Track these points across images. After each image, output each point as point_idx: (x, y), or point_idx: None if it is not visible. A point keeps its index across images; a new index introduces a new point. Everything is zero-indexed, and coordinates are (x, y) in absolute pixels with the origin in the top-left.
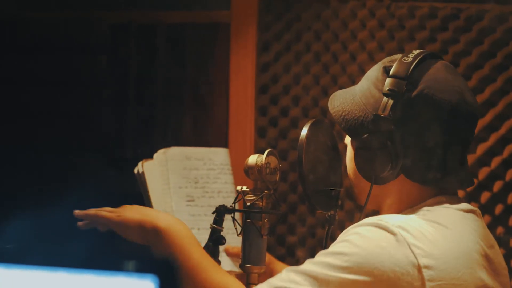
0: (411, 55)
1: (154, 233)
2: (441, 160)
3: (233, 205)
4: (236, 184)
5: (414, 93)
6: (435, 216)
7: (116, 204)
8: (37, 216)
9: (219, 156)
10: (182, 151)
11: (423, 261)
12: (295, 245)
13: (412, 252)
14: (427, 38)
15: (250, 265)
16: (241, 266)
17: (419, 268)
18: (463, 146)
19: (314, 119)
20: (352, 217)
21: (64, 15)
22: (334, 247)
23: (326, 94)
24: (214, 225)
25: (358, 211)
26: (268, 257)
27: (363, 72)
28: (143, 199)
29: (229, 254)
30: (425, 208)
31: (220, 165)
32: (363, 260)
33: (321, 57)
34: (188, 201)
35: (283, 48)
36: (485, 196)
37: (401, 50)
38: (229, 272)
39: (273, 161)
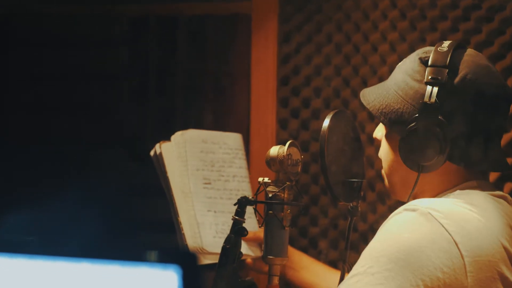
0: (445, 45)
1: None
2: (483, 142)
3: (255, 196)
4: (257, 175)
5: (457, 79)
6: (466, 197)
7: (137, 197)
8: (60, 209)
9: (233, 140)
10: (199, 134)
11: (457, 237)
12: (317, 236)
13: (446, 229)
14: (449, 29)
15: (272, 256)
16: (263, 258)
17: (455, 244)
18: (501, 130)
19: (336, 110)
20: (374, 209)
21: (85, 9)
22: (374, 242)
23: (348, 85)
24: (236, 217)
25: (380, 202)
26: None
27: (384, 63)
28: (164, 193)
29: (243, 238)
30: (457, 192)
31: (235, 150)
32: (399, 248)
33: (342, 48)
34: (205, 183)
35: (304, 39)
36: (508, 187)
37: (423, 40)
38: (245, 256)
39: (295, 152)
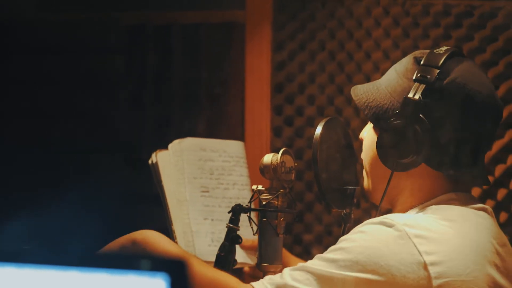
0: (442, 48)
1: (133, 246)
2: (465, 151)
3: (249, 204)
4: (252, 183)
5: (446, 81)
6: (444, 213)
7: (131, 204)
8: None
9: (234, 148)
10: (197, 142)
11: (429, 258)
12: (311, 243)
13: (418, 249)
14: (441, 36)
15: (266, 263)
16: (257, 265)
17: (424, 266)
18: (487, 141)
19: (328, 117)
20: (369, 215)
21: (81, 16)
22: (341, 243)
23: (342, 92)
24: (230, 225)
25: (374, 209)
26: (284, 253)
27: (378, 70)
28: (159, 200)
29: (242, 246)
30: (433, 206)
31: (236, 158)
32: (367, 258)
33: (336, 55)
34: (203, 191)
35: (298, 47)
36: (501, 193)
37: (416, 47)
38: (243, 264)
39: (288, 160)
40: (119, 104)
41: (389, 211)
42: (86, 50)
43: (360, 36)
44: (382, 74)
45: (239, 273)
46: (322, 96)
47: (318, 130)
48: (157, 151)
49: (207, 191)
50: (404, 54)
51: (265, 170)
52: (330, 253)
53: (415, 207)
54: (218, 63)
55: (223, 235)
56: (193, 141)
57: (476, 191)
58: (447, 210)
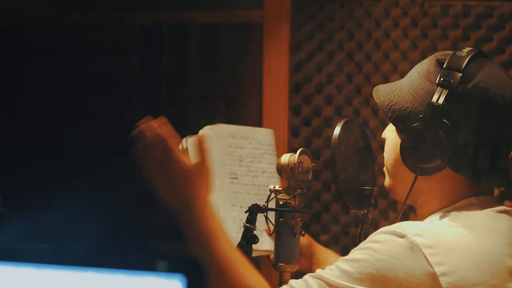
0: (465, 50)
1: (188, 199)
2: (489, 155)
3: (266, 204)
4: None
5: (469, 85)
6: (462, 220)
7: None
8: (70, 216)
9: (264, 136)
10: (227, 128)
11: (440, 269)
12: (328, 244)
13: (427, 260)
14: (460, 37)
15: (283, 263)
16: (273, 265)
17: (434, 277)
18: (509, 144)
19: (346, 118)
20: (386, 216)
21: (97, 17)
22: (354, 253)
23: (359, 93)
24: (247, 224)
25: (392, 209)
26: (308, 239)
27: (396, 70)
28: None
29: (267, 231)
30: (453, 213)
31: (266, 145)
32: (377, 271)
33: (354, 56)
34: (232, 178)
35: (316, 48)
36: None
37: (435, 49)
38: (269, 252)
39: (306, 160)
40: (134, 106)
41: (412, 209)
42: (101, 51)
43: (379, 36)
44: (401, 74)
45: (264, 261)
46: (340, 96)
47: (337, 131)
48: (187, 136)
49: (236, 178)
50: (423, 55)
51: (282, 170)
52: (346, 263)
53: (438, 210)
54: (235, 63)
55: None
56: (223, 127)
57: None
58: (466, 216)
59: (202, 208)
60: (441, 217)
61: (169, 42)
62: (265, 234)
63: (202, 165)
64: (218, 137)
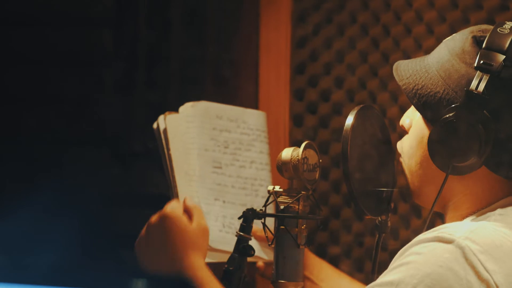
0: (507, 26)
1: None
2: None
3: (263, 208)
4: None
5: None
6: (508, 221)
7: (120, 207)
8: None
9: (255, 119)
10: (213, 107)
11: (498, 278)
12: (338, 256)
13: (485, 269)
14: (497, 7)
15: (284, 281)
16: (273, 282)
17: (496, 286)
18: None
19: (361, 105)
20: (407, 223)
21: None
22: (391, 274)
23: (376, 74)
24: (241, 233)
25: (415, 216)
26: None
27: (420, 47)
28: (154, 202)
29: (257, 237)
30: (497, 212)
31: (257, 131)
32: (429, 287)
33: (368, 29)
34: (215, 167)
35: (323, 19)
36: None
37: (466, 20)
38: (256, 258)
39: (312, 155)
40: (105, 88)
41: (439, 215)
42: (66, 21)
43: (399, 6)
44: (425, 52)
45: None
46: (352, 78)
47: (350, 120)
48: (166, 113)
49: (220, 167)
50: (451, 29)
51: (283, 167)
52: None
53: (471, 214)
54: (226, 38)
55: (235, 221)
56: (208, 105)
57: None
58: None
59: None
60: (486, 218)
61: (147, 12)
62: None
63: (198, 226)
64: (201, 116)
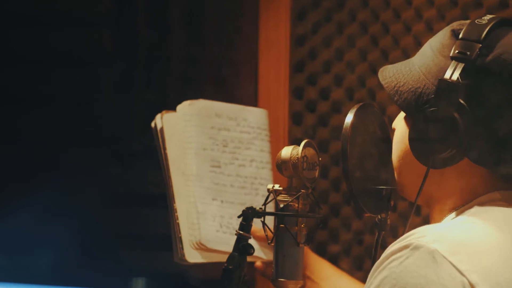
0: (486, 18)
1: None
2: None
3: (263, 207)
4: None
5: (489, 57)
6: (485, 217)
7: (120, 207)
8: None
9: (256, 117)
10: (212, 106)
11: (473, 277)
12: (338, 254)
13: (458, 269)
14: (496, 5)
15: (284, 279)
16: (273, 281)
17: (471, 286)
18: None
19: (361, 103)
20: (407, 221)
21: None
22: (369, 284)
23: (375, 72)
24: (240, 232)
25: (414, 213)
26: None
27: (419, 45)
28: (153, 202)
29: (256, 237)
30: (473, 210)
31: (257, 129)
32: None
33: (368, 27)
34: (213, 166)
35: (323, 17)
36: None
37: (465, 18)
38: (255, 258)
39: (311, 154)
40: (104, 88)
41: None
42: (65, 21)
43: (398, 4)
44: None
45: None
46: (351, 76)
47: (349, 118)
48: (163, 112)
49: (219, 166)
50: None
51: (283, 166)
52: None
53: (456, 208)
54: (225, 37)
55: (234, 221)
56: (207, 104)
57: None
58: (490, 213)
59: None
60: (460, 216)
61: (147, 12)
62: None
63: None
64: (199, 115)
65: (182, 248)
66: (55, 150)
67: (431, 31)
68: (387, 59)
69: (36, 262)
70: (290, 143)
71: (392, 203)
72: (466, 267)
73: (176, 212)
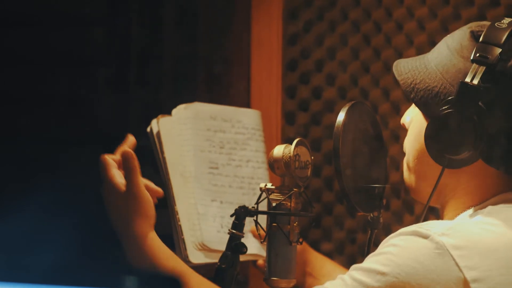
0: (505, 21)
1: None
2: None
3: (255, 206)
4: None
5: (510, 63)
6: (496, 218)
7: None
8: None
9: (250, 118)
10: (206, 108)
11: (470, 274)
12: (331, 253)
13: (457, 264)
14: (488, 3)
15: (276, 278)
16: (265, 280)
17: (465, 283)
18: None
19: (353, 102)
20: (400, 219)
21: None
22: (369, 261)
23: (367, 71)
24: (233, 231)
25: (408, 211)
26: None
27: (411, 43)
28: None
29: (256, 236)
30: (485, 210)
31: (251, 130)
32: (397, 278)
33: (360, 26)
34: (211, 168)
35: (315, 16)
36: None
37: (457, 16)
38: (257, 256)
39: (304, 152)
40: (98, 87)
41: (435, 212)
42: (58, 21)
43: (390, 2)
44: (417, 48)
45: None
46: (343, 75)
47: (341, 116)
48: (159, 116)
49: (216, 168)
50: (443, 25)
51: (275, 164)
52: (361, 272)
53: (469, 209)
54: (218, 36)
55: None
56: (201, 107)
57: None
58: (501, 214)
59: (151, 247)
60: (472, 215)
61: (139, 10)
62: (250, 235)
63: (131, 191)
64: (194, 118)
65: (186, 249)
66: (52, 149)
67: (423, 29)
68: (379, 58)
69: (36, 262)
70: (283, 142)
71: (384, 201)
72: (466, 263)
73: (177, 214)
